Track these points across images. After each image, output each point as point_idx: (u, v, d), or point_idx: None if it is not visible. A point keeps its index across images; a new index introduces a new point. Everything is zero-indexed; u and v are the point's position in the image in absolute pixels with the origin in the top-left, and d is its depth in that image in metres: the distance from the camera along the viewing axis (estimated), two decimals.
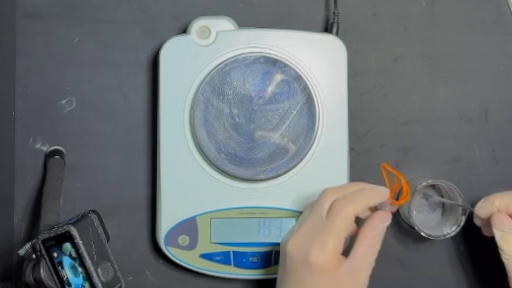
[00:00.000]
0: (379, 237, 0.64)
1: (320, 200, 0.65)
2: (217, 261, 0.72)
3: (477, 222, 0.69)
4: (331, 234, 0.62)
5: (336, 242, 0.62)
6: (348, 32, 0.74)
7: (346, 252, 0.64)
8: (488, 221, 0.67)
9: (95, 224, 0.62)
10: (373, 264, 0.64)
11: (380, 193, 0.65)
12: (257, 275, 0.72)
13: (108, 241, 0.63)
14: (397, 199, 0.66)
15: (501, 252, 0.66)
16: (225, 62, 0.71)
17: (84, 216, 0.62)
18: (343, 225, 0.62)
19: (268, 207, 0.71)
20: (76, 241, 0.59)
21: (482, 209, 0.67)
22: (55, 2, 0.75)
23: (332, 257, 0.62)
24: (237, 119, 0.70)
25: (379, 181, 0.73)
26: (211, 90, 0.71)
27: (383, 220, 0.64)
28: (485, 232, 0.69)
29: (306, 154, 0.71)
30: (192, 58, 0.71)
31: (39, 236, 0.60)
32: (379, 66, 0.75)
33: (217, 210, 0.71)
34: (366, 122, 0.75)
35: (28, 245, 0.63)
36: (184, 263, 0.72)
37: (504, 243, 0.66)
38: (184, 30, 0.73)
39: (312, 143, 0.71)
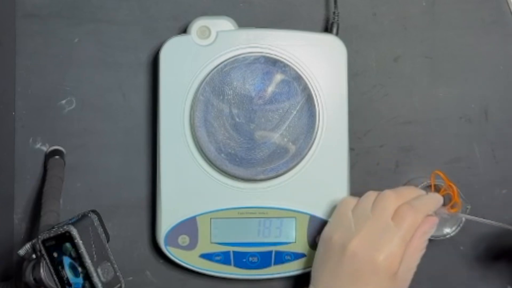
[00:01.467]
0: (426, 242, 0.66)
1: (384, 203, 0.66)
2: (217, 261, 0.72)
3: None
4: (398, 239, 0.64)
5: (402, 246, 0.64)
6: (348, 32, 0.74)
7: None
8: None
9: (95, 224, 0.62)
10: (416, 269, 0.66)
11: (437, 200, 0.68)
12: (257, 275, 0.72)
13: (108, 241, 0.63)
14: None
15: None
16: (225, 62, 0.71)
17: (84, 216, 0.62)
18: (409, 231, 0.65)
19: (268, 207, 0.71)
20: (76, 241, 0.59)
21: None
22: (55, 2, 0.75)
23: (398, 260, 0.64)
24: (237, 119, 0.70)
25: (379, 181, 0.74)
26: (211, 90, 0.71)
27: (433, 225, 0.66)
28: None
29: (306, 154, 0.71)
30: (192, 58, 0.71)
31: (39, 236, 0.60)
32: (379, 66, 0.75)
33: (217, 210, 0.71)
34: (366, 122, 0.75)
35: (28, 245, 0.63)
36: (184, 263, 0.72)
37: None
38: (184, 30, 0.73)
39: (312, 143, 0.71)
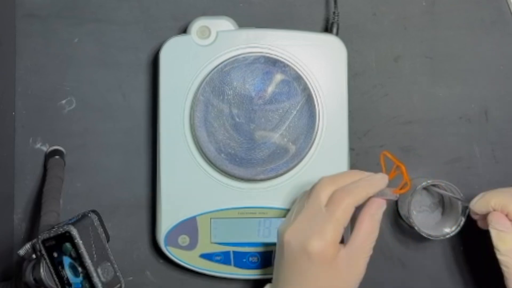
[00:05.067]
0: (376, 224, 0.64)
1: (317, 189, 0.65)
2: (217, 261, 0.72)
3: (474, 216, 0.69)
4: (331, 224, 0.62)
5: (335, 232, 0.62)
6: (348, 32, 0.75)
7: (342, 239, 0.64)
8: (483, 216, 0.68)
9: (95, 224, 0.62)
10: (370, 252, 0.64)
11: (379, 181, 0.65)
12: (257, 275, 0.72)
13: (108, 241, 0.63)
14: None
15: (496, 251, 0.66)
16: (225, 62, 0.71)
17: (84, 216, 0.62)
18: (343, 216, 0.63)
19: (268, 207, 0.71)
20: (76, 241, 0.59)
21: (477, 206, 0.67)
22: (55, 2, 0.75)
23: (332, 246, 0.62)
24: (237, 119, 0.70)
25: None
26: (211, 90, 0.71)
27: (379, 206, 0.64)
28: (480, 225, 0.69)
29: (306, 154, 0.71)
30: (192, 58, 0.71)
31: (39, 236, 0.60)
32: (379, 66, 0.76)
33: (217, 210, 0.71)
34: (366, 122, 0.75)
35: (28, 245, 0.63)
36: (184, 263, 0.72)
37: (500, 242, 0.66)
38: (184, 30, 0.73)
39: (312, 143, 0.71)
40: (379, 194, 0.64)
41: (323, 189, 0.64)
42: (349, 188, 0.64)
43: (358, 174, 0.66)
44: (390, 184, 0.65)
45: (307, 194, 0.66)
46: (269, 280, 0.73)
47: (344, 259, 0.63)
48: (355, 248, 0.63)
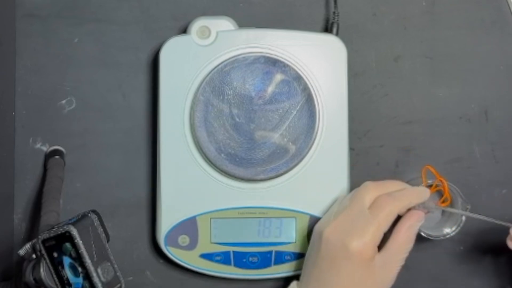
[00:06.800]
0: (413, 236, 0.66)
1: (361, 192, 0.67)
2: (217, 261, 0.72)
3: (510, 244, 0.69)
4: (373, 227, 0.64)
5: (376, 234, 0.64)
6: (348, 32, 0.75)
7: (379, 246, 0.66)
8: None
9: (95, 224, 0.62)
10: (403, 262, 0.66)
11: (422, 194, 0.67)
12: (257, 275, 0.72)
13: (108, 241, 0.63)
14: None
15: None
16: (225, 62, 0.71)
17: (84, 216, 0.62)
18: (385, 220, 0.65)
19: (268, 207, 0.71)
20: (76, 241, 0.59)
21: None
22: (55, 2, 0.75)
23: (371, 247, 0.64)
24: (237, 119, 0.70)
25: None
26: (211, 90, 0.71)
27: (419, 219, 0.67)
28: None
29: (306, 154, 0.71)
30: (192, 58, 0.71)
31: (39, 236, 0.60)
32: (379, 66, 0.76)
33: (217, 210, 0.71)
34: (366, 122, 0.75)
35: (28, 245, 0.63)
36: (184, 263, 0.72)
37: None
38: (184, 30, 0.73)
39: (312, 143, 0.71)
40: (420, 206, 0.67)
41: (368, 193, 0.67)
42: (394, 195, 0.66)
43: (401, 184, 0.68)
44: None
45: (349, 196, 0.68)
46: (269, 280, 0.73)
47: (379, 263, 0.65)
48: (389, 255, 0.65)
